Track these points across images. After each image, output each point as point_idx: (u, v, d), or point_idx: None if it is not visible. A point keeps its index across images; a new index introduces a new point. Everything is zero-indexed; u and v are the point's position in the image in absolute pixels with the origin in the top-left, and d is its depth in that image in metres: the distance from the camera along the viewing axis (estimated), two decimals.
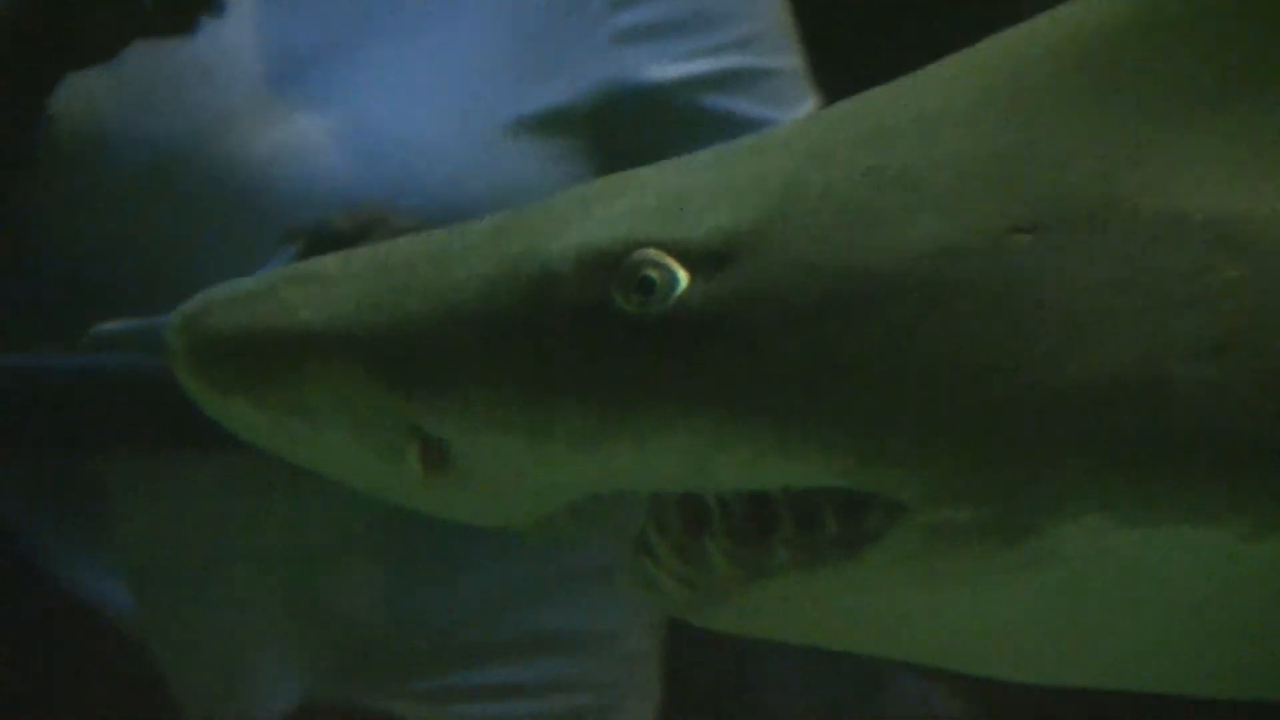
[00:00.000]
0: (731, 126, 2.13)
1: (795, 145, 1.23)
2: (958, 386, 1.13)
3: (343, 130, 2.07)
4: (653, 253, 1.18)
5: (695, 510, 1.21)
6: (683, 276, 1.17)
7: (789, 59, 2.21)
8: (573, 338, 1.18)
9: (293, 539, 2.09)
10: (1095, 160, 1.15)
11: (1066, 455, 1.12)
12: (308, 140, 2.06)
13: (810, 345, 1.14)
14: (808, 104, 2.23)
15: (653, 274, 1.17)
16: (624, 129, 2.16)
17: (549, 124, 2.14)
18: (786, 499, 1.19)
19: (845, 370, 1.14)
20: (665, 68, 2.17)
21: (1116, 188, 1.14)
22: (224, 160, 2.03)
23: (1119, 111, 1.17)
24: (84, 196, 2.04)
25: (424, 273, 1.21)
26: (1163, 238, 1.12)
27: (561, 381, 1.17)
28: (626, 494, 1.22)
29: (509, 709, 2.15)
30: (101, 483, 2.07)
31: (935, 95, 1.22)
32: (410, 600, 2.13)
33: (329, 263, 1.24)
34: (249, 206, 2.03)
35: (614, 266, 1.18)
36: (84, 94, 2.05)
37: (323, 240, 1.93)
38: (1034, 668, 1.25)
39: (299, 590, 2.11)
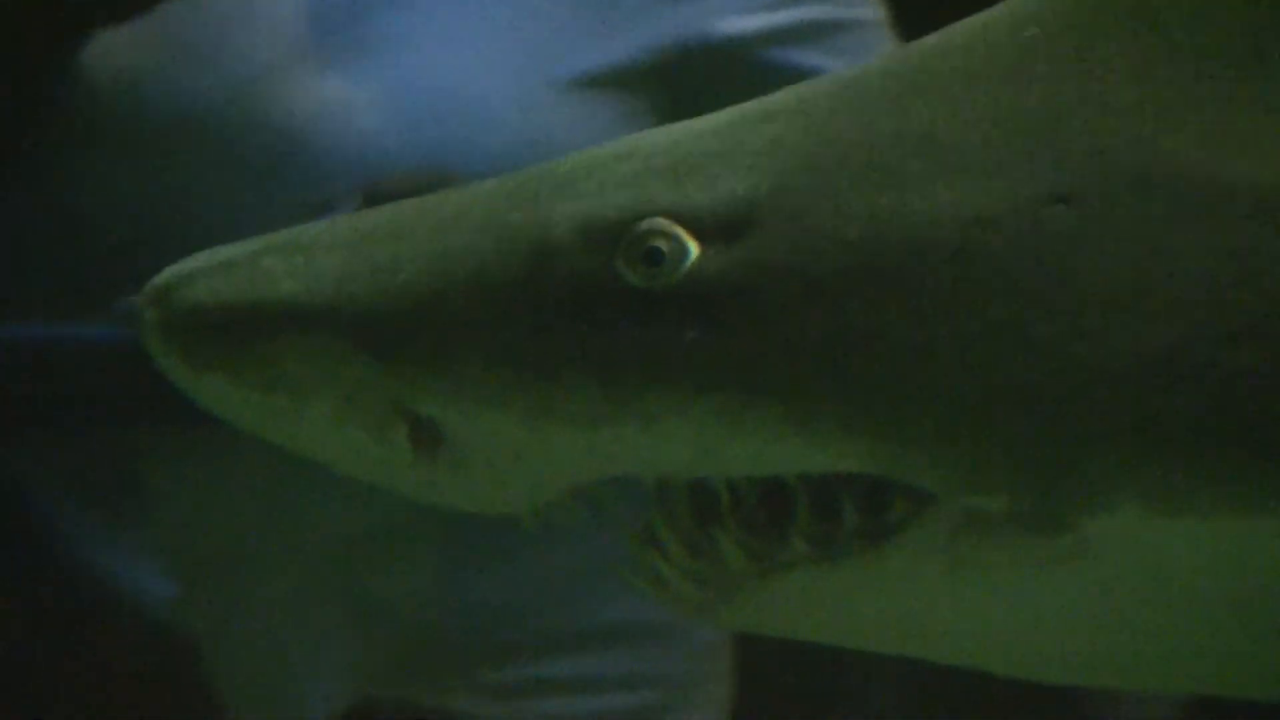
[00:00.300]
0: None
1: (815, 105, 1.22)
2: (988, 365, 1.12)
3: (388, 87, 2.06)
4: (661, 221, 1.17)
5: (705, 498, 1.21)
6: (693, 246, 1.16)
7: (869, 9, 2.18)
8: (575, 312, 1.17)
9: (343, 527, 2.09)
10: (1136, 124, 1.13)
11: (1104, 441, 1.11)
12: (352, 97, 2.05)
13: (830, 320, 1.13)
14: None
15: (661, 244, 1.16)
16: (693, 87, 2.13)
17: (612, 81, 2.12)
18: (803, 486, 1.18)
19: (868, 347, 1.13)
20: (737, 20, 2.14)
21: (1158, 154, 1.12)
22: (261, 117, 2.03)
23: (1161, 73, 1.15)
24: (115, 155, 2.05)
25: (416, 242, 1.21)
26: (1207, 209, 1.11)
27: (562, 358, 1.17)
28: (631, 480, 1.21)
29: (572, 704, 2.15)
30: (139, 466, 2.08)
31: (967, 53, 1.20)
32: (468, 591, 2.13)
33: (313, 230, 1.24)
34: (288, 168, 2.02)
35: (619, 236, 1.17)
36: (117, 46, 2.06)
37: (374, 205, 1.91)
38: (1059, 667, 1.24)
39: (351, 581, 2.11)
